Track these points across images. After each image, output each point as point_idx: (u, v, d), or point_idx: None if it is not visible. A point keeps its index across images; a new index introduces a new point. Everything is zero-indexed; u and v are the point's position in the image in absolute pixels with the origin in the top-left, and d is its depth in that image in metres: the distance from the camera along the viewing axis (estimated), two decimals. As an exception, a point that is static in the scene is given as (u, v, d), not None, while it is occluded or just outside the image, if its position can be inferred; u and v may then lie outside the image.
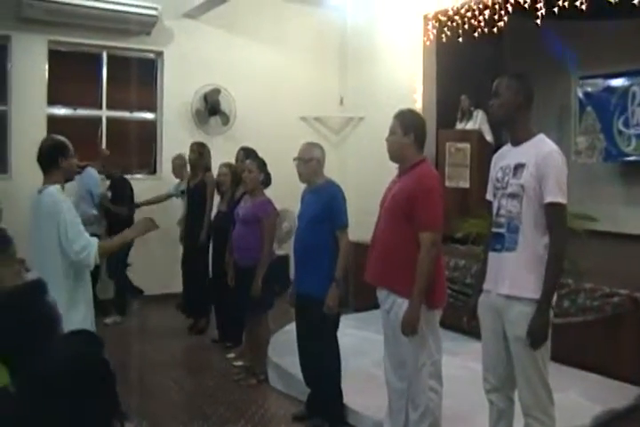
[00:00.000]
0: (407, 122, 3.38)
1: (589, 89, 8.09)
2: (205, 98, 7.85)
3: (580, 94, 8.18)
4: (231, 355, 5.45)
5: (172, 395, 4.72)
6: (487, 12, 6.47)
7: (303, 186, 4.27)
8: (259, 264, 4.71)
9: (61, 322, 1.86)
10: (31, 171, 6.45)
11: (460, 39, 6.74)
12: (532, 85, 3.03)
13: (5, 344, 1.76)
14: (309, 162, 4.05)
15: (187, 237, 6.30)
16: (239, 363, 5.22)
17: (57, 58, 7.23)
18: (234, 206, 5.22)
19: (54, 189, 3.31)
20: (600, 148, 7.94)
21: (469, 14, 6.67)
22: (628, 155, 7.66)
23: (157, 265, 7.32)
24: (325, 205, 3.94)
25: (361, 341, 5.18)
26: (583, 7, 5.59)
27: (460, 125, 7.51)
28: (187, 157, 6.67)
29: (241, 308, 4.99)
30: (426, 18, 7.30)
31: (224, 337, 5.78)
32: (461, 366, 4.38)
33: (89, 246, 3.23)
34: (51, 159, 3.35)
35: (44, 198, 3.29)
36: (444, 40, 7.02)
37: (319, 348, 4.02)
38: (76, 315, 3.21)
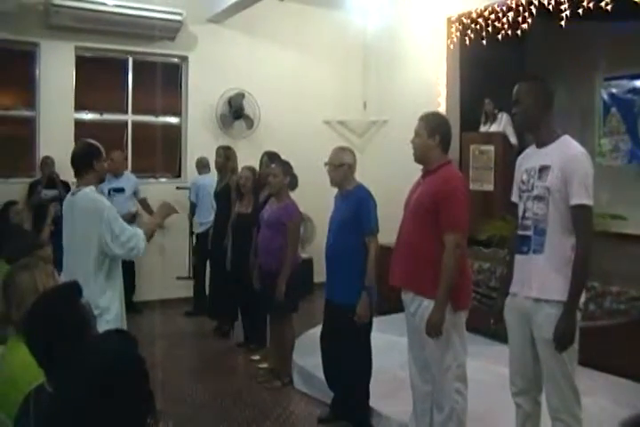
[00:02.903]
0: (432, 124, 3.39)
1: (614, 90, 8.00)
2: (230, 102, 7.91)
3: (605, 95, 8.10)
4: (256, 357, 5.48)
5: (196, 397, 4.75)
6: (511, 14, 6.45)
7: (327, 189, 4.28)
8: (282, 267, 4.74)
9: (95, 323, 1.90)
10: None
11: (484, 42, 6.73)
12: (550, 87, 3.03)
13: (39, 346, 1.80)
14: (340, 167, 4.06)
15: (215, 240, 6.33)
16: (264, 365, 5.25)
17: (83, 64, 7.34)
18: (259, 209, 5.25)
19: (90, 189, 3.41)
20: (625, 149, 7.86)
21: (493, 16, 6.66)
22: (654, 156, 7.57)
23: (177, 268, 7.41)
24: (354, 210, 3.95)
25: (384, 343, 5.16)
26: (608, 8, 5.55)
27: (483, 128, 7.48)
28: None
29: (265, 310, 5.03)
30: (449, 20, 7.29)
31: (249, 339, 5.81)
32: (486, 369, 4.36)
33: (135, 235, 3.35)
34: (86, 162, 3.46)
35: (81, 199, 3.38)
36: (467, 43, 7.01)
37: (349, 352, 4.02)
38: (108, 314, 3.28)
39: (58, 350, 1.74)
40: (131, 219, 3.85)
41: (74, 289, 1.95)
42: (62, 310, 1.84)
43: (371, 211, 3.97)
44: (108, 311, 3.32)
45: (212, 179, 6.92)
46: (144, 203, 6.98)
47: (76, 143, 3.64)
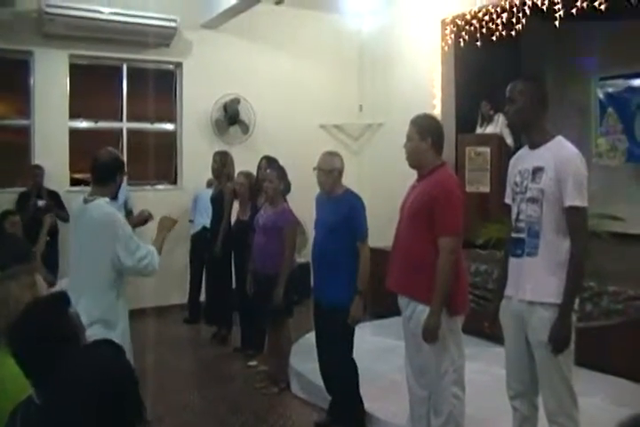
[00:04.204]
0: (423, 127, 3.36)
1: (610, 90, 8.01)
2: (225, 108, 7.90)
3: (601, 95, 8.11)
4: (253, 363, 5.47)
5: (194, 403, 4.73)
6: (505, 15, 6.44)
7: (321, 194, 4.27)
8: (280, 272, 4.71)
9: (84, 334, 1.87)
10: (53, 184, 6.62)
11: (479, 43, 6.72)
12: (545, 87, 3.02)
13: (25, 357, 1.77)
14: (331, 173, 4.04)
15: (211, 246, 6.30)
16: (261, 369, 5.24)
17: (78, 71, 7.31)
18: (254, 215, 5.24)
19: (104, 201, 3.31)
20: (622, 149, 7.86)
21: (487, 18, 6.65)
22: (651, 155, 7.57)
23: (174, 275, 7.37)
24: (345, 215, 3.92)
25: (381, 347, 5.17)
26: (602, 7, 5.55)
27: (480, 130, 7.48)
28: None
29: (261, 315, 5.01)
30: (443, 22, 7.29)
31: (246, 345, 5.80)
32: (483, 371, 4.35)
33: (149, 254, 3.29)
34: (110, 173, 3.38)
35: (95, 210, 3.27)
36: (461, 44, 7.01)
37: (337, 356, 4.02)
38: (118, 326, 3.24)
39: (45, 362, 1.72)
40: (143, 222, 3.76)
41: (62, 299, 1.93)
42: (50, 321, 1.81)
43: (362, 217, 3.97)
44: (116, 327, 3.26)
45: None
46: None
47: (100, 151, 3.49)
